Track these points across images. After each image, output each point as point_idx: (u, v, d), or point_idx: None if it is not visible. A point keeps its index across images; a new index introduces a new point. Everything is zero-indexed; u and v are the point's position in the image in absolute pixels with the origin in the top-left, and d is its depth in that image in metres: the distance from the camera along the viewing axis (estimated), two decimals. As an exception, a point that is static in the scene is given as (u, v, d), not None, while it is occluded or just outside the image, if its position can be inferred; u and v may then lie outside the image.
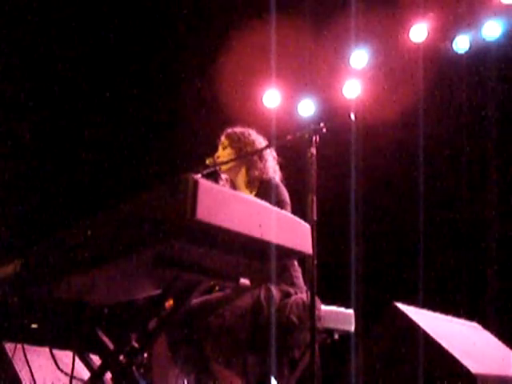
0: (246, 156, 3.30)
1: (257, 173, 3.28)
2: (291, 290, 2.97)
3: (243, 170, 3.34)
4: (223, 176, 3.40)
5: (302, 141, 2.86)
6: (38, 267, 2.18)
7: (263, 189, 3.18)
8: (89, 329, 2.40)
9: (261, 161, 3.32)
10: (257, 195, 3.16)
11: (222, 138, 3.44)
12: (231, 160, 3.30)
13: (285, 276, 3.02)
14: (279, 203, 2.98)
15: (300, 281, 3.07)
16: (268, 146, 3.36)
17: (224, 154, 3.37)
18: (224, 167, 3.34)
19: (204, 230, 1.78)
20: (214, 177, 3.31)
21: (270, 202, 2.09)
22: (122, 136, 6.22)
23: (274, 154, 3.42)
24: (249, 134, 3.41)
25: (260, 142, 3.40)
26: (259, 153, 3.31)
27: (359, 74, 5.97)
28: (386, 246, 5.84)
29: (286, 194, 3.17)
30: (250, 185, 3.30)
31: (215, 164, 3.29)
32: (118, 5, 5.87)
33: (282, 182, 3.32)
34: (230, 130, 3.45)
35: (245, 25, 5.71)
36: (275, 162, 3.40)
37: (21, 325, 2.58)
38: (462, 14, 5.44)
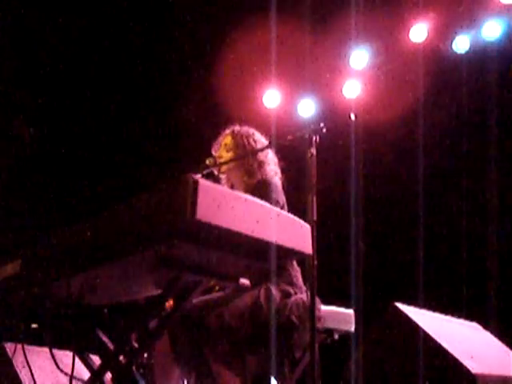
0: (243, 158, 3.24)
1: (255, 181, 3.21)
2: (291, 290, 2.97)
3: (242, 175, 3.27)
4: (223, 176, 3.36)
5: (301, 141, 2.86)
6: (38, 267, 2.18)
7: (255, 188, 3.10)
8: (89, 329, 2.40)
9: (259, 168, 3.24)
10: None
11: (228, 138, 3.36)
12: (229, 161, 3.27)
13: (284, 275, 3.00)
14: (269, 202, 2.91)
15: (299, 280, 3.06)
16: (269, 146, 3.30)
17: (227, 156, 3.31)
18: (223, 169, 3.30)
19: (204, 229, 1.78)
20: (214, 178, 3.28)
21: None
22: (122, 136, 6.22)
23: (275, 159, 3.34)
24: (254, 141, 3.32)
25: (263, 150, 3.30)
26: (256, 153, 3.25)
27: (359, 74, 5.97)
28: (386, 246, 5.85)
29: (277, 193, 3.09)
30: (248, 189, 3.26)
31: (215, 163, 3.25)
32: (118, 6, 5.87)
33: (282, 184, 3.26)
34: (236, 131, 3.37)
35: (245, 25, 5.71)
36: (277, 167, 3.33)
37: (21, 325, 2.58)
38: (462, 14, 5.44)
